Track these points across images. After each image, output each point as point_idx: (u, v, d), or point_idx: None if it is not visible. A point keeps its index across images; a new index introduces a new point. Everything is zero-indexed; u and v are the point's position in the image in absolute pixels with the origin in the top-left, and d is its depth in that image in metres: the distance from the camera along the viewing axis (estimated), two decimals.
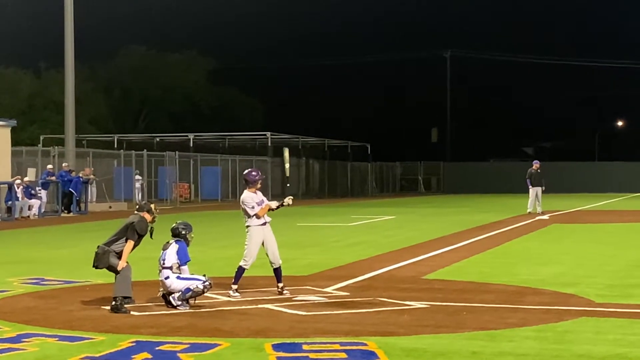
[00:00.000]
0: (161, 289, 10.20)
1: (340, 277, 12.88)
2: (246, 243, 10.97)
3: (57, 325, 9.09)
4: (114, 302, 9.76)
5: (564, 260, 15.51)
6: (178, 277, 10.00)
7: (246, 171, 11.31)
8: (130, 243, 9.98)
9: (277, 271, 11.07)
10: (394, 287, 11.83)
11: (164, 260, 10.15)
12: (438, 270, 13.90)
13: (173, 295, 9.92)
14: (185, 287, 9.95)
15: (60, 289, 11.94)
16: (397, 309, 10.05)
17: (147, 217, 10.20)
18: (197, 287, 9.93)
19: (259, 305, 10.26)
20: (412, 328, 8.87)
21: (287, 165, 11.78)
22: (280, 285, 11.07)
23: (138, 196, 39.67)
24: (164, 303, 10.14)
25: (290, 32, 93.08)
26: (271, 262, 11.07)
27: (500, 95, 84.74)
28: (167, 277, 10.04)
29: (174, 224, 10.42)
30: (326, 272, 13.74)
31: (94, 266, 10.16)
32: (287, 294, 10.99)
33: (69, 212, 32.42)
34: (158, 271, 10.23)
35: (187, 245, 10.32)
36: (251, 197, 10.97)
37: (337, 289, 11.63)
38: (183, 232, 10.31)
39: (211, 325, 9.00)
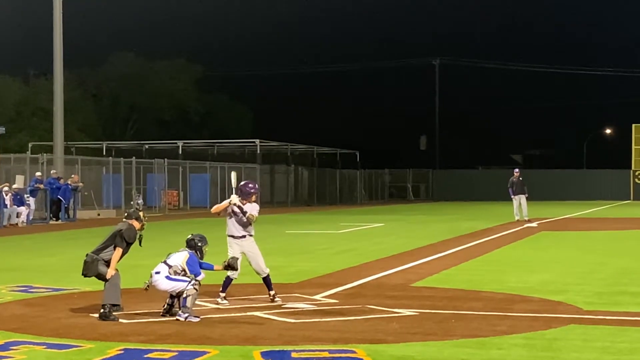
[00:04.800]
0: (147, 283, 10.03)
1: (329, 284, 12.88)
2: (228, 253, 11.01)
3: (45, 333, 9.06)
4: (102, 310, 9.74)
5: (552, 267, 15.56)
6: (167, 277, 9.91)
7: (243, 182, 11.17)
8: (119, 251, 9.95)
9: (266, 280, 11.06)
10: (382, 295, 11.84)
11: (167, 257, 10.05)
12: (427, 278, 13.92)
13: (179, 313, 9.78)
14: (171, 289, 9.87)
15: (49, 297, 11.90)
16: (385, 316, 10.05)
17: (136, 224, 10.17)
18: (190, 290, 9.77)
19: (248, 313, 10.25)
20: (400, 335, 8.88)
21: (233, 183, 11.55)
22: (272, 293, 11.05)
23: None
24: (151, 310, 10.10)
25: (279, 40, 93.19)
26: (257, 273, 11.06)
27: (488, 103, 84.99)
28: (157, 272, 9.90)
29: (190, 236, 10.31)
30: (315, 279, 13.73)
31: (83, 274, 10.13)
32: (278, 301, 10.97)
33: (58, 219, 32.32)
34: None
35: (202, 257, 10.21)
36: (235, 199, 10.92)
37: (326, 297, 11.63)
38: (199, 245, 10.20)
39: (200, 333, 8.98)
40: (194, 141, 54.82)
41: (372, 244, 21.36)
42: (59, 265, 16.27)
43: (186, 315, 9.67)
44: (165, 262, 10.00)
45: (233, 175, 11.61)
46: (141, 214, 10.30)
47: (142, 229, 10.23)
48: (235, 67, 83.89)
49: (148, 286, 9.98)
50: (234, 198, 10.91)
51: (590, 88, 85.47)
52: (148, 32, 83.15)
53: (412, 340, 8.63)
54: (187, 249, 10.18)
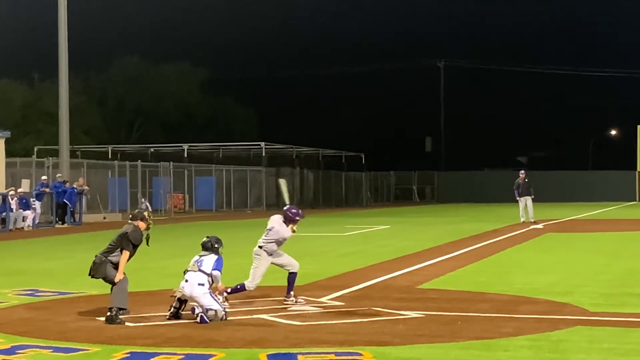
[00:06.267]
0: (177, 294, 9.94)
1: (335, 286, 12.88)
2: (255, 265, 10.90)
3: (51, 337, 9.07)
4: (109, 313, 9.74)
5: (558, 269, 15.53)
6: (210, 294, 9.80)
7: (287, 206, 11.08)
8: (126, 254, 9.94)
9: (292, 278, 11.04)
10: (388, 297, 11.83)
11: (199, 263, 9.95)
12: (433, 280, 13.90)
13: (201, 309, 9.72)
14: (209, 306, 9.74)
15: (55, 300, 11.92)
16: (392, 318, 10.05)
17: (142, 225, 10.15)
18: (220, 312, 9.71)
19: (254, 316, 10.25)
20: (407, 338, 8.87)
21: (285, 196, 11.60)
22: (292, 294, 11.07)
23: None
24: (158, 314, 10.11)
25: (284, 42, 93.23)
26: (288, 270, 11.07)
27: (493, 105, 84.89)
28: (201, 284, 9.76)
29: (206, 238, 10.27)
30: (321, 282, 13.73)
31: (90, 275, 10.12)
32: (301, 302, 10.97)
33: (63, 223, 32.36)
34: (184, 272, 10.02)
35: None
36: (281, 233, 10.82)
37: (332, 299, 11.63)
38: (216, 246, 10.17)
39: (206, 336, 8.98)
40: (199, 144, 54.86)
41: (378, 246, 21.33)
42: (65, 269, 16.29)
43: (201, 313, 9.62)
44: (202, 270, 9.88)
45: (283, 184, 11.52)
46: (146, 213, 10.27)
47: (148, 228, 10.20)
48: (240, 70, 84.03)
49: (181, 297, 9.87)
50: (292, 228, 10.96)
51: (596, 89, 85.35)
52: (153, 36, 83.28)
53: (419, 343, 8.62)
54: (206, 251, 10.12)
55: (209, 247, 10.17)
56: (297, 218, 10.97)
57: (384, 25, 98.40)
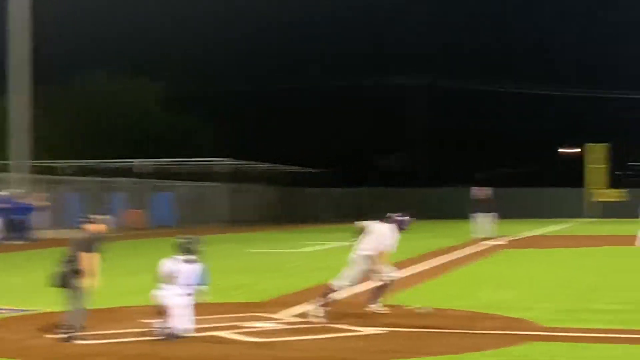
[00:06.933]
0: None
1: (296, 302, 12.79)
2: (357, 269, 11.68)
3: (7, 354, 8.91)
4: (65, 331, 9.56)
5: (518, 284, 15.61)
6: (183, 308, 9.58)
7: (399, 215, 11.91)
8: (89, 255, 9.59)
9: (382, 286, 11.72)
10: (349, 313, 11.78)
11: (184, 277, 9.59)
12: (395, 296, 13.87)
13: (162, 324, 9.54)
14: (176, 320, 9.53)
15: (10, 318, 11.71)
16: (353, 335, 9.99)
17: (94, 228, 9.90)
18: (179, 330, 9.54)
19: (212, 333, 10.13)
20: (368, 354, 8.82)
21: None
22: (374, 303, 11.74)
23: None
24: (115, 330, 9.96)
25: (254, 56, 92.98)
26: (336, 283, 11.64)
27: (452, 122, 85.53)
28: (179, 295, 9.54)
29: (182, 239, 9.82)
30: (282, 298, 13.64)
31: (54, 285, 9.82)
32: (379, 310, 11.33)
33: (18, 239, 31.88)
34: (161, 278, 9.80)
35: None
36: (391, 236, 11.69)
37: (294, 315, 11.55)
38: (193, 246, 9.74)
39: (164, 353, 8.86)
40: (159, 160, 54.50)
41: (342, 262, 21.19)
42: (20, 286, 16.03)
43: (159, 330, 9.46)
44: (186, 285, 9.60)
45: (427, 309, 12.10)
46: (98, 216, 10.06)
47: (101, 231, 9.92)
48: (202, 85, 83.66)
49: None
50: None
51: (558, 107, 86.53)
52: (115, 51, 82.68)
53: (380, 359, 8.56)
54: (186, 254, 9.74)
55: (187, 249, 9.71)
56: (405, 227, 11.85)
57: (365, 40, 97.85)
